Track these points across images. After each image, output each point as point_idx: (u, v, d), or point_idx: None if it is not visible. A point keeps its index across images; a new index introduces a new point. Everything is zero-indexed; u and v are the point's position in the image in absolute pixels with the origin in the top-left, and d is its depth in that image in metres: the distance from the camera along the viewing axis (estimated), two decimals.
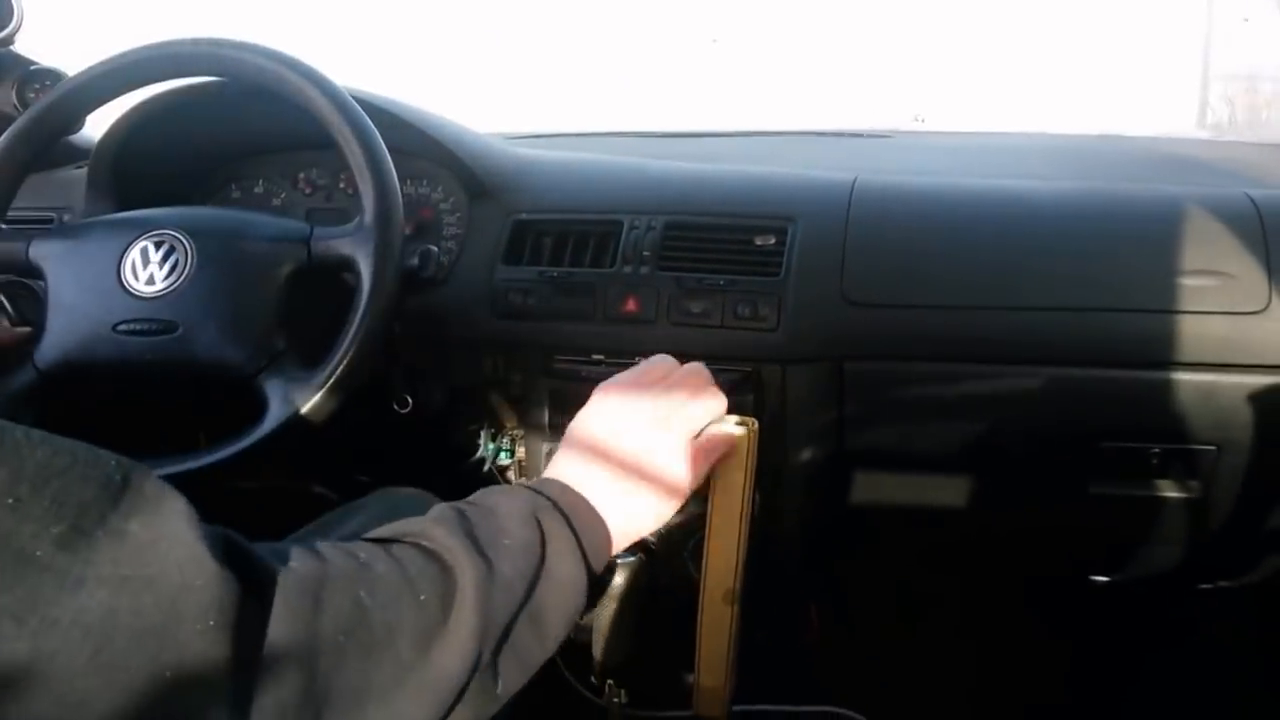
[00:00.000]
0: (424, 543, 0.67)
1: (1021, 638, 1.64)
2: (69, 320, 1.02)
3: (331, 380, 0.97)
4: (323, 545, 0.63)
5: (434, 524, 0.69)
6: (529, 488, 0.77)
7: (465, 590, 0.64)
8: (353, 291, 1.00)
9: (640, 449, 0.82)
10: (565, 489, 0.78)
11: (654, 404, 0.85)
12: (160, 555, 0.50)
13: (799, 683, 1.53)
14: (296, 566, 0.59)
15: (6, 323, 1.11)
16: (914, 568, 1.57)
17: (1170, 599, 1.60)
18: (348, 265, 1.01)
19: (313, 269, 1.03)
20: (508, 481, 1.38)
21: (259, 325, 1.01)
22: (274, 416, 0.97)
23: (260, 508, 1.49)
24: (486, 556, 0.67)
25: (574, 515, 0.76)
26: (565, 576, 0.73)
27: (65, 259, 1.05)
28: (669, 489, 0.83)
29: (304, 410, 0.96)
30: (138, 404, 1.25)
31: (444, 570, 0.65)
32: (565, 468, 0.81)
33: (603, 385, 0.87)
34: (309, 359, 0.99)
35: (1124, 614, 1.63)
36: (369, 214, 1.00)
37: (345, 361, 0.97)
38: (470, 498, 0.77)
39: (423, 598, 0.63)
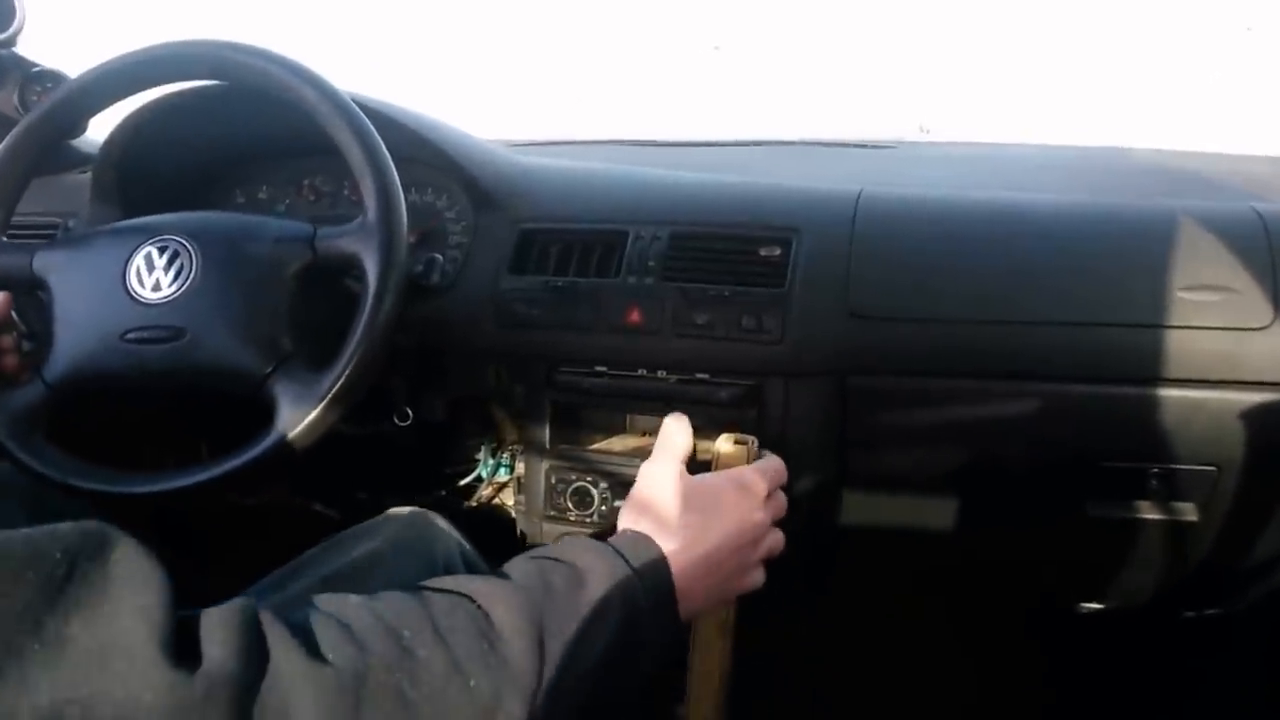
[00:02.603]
0: (480, 615, 0.64)
1: (1018, 664, 1.63)
2: (76, 331, 1.01)
3: (339, 384, 0.95)
4: (362, 625, 0.59)
5: (498, 596, 0.66)
6: (621, 556, 0.75)
7: (521, 681, 0.61)
8: (357, 295, 0.99)
9: (728, 551, 0.84)
10: (658, 568, 0.77)
11: (750, 516, 0.88)
12: (104, 665, 0.45)
13: (793, 706, 1.53)
14: (333, 658, 0.55)
15: (12, 341, 1.10)
16: (910, 591, 1.56)
17: (1158, 626, 1.60)
18: (353, 263, 1.00)
19: (318, 268, 1.02)
20: (503, 500, 1.38)
21: (266, 328, 0.99)
22: (283, 422, 0.95)
23: (261, 526, 1.49)
24: (549, 652, 0.64)
25: (661, 607, 0.76)
26: (635, 675, 0.73)
27: (69, 270, 1.04)
28: (727, 595, 0.88)
29: (312, 415, 0.95)
30: (144, 416, 1.24)
31: (500, 659, 0.62)
32: (655, 533, 0.81)
33: (739, 472, 0.91)
34: (316, 362, 0.98)
35: (1115, 640, 1.63)
36: (371, 211, 0.99)
37: (352, 365, 0.95)
38: (554, 551, 0.75)
39: (473, 684, 0.59)
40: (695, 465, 1.09)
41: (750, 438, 0.96)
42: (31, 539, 0.48)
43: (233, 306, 0.99)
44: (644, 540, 0.79)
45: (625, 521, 0.85)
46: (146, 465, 1.01)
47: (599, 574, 0.72)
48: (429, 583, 0.68)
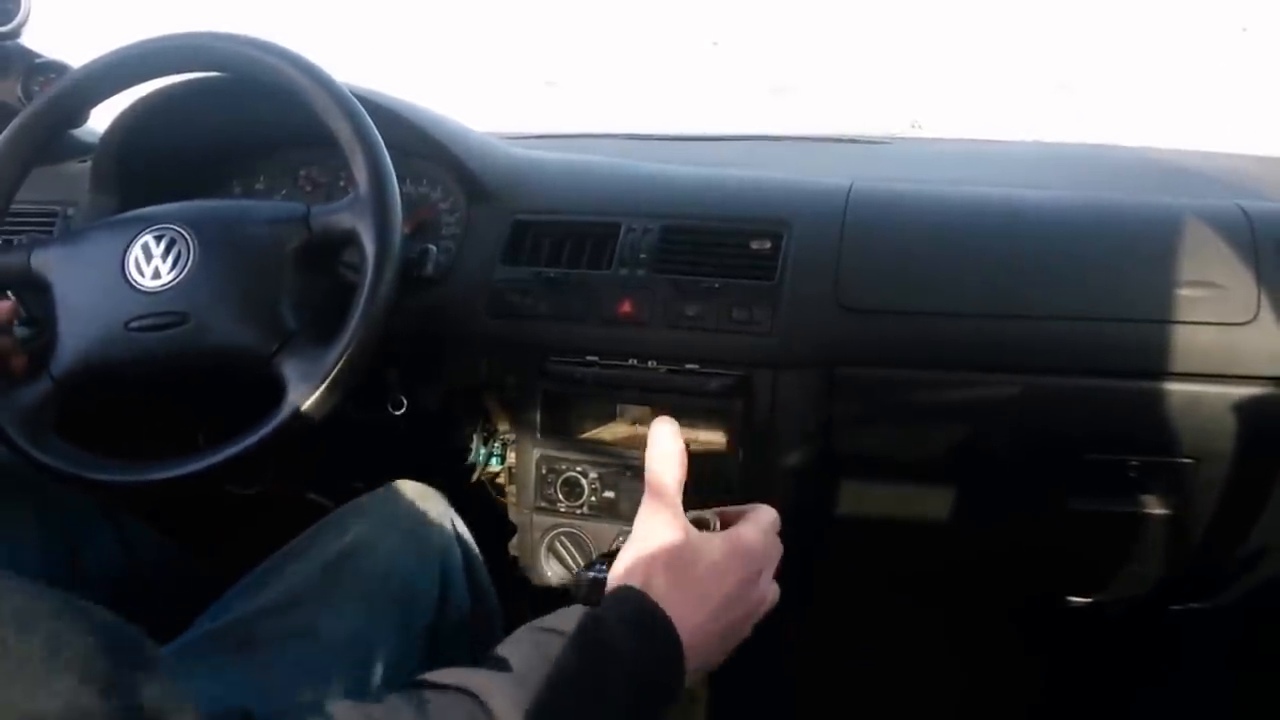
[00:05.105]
0: (479, 709, 0.63)
1: (1001, 659, 1.65)
2: (79, 324, 1.02)
3: (346, 357, 0.96)
4: None
5: (497, 687, 0.64)
6: (635, 633, 0.72)
7: None
8: (357, 270, 1.00)
9: (725, 624, 0.80)
10: (668, 643, 0.73)
11: (752, 589, 0.83)
12: None
13: (776, 701, 1.53)
14: None
15: (15, 341, 1.11)
16: (896, 586, 1.57)
17: (1148, 621, 1.61)
18: (349, 237, 1.01)
19: (315, 246, 1.03)
20: (498, 488, 1.38)
21: (268, 308, 1.00)
22: (293, 398, 0.96)
23: (257, 516, 1.51)
24: None
25: (671, 684, 0.73)
26: None
27: (68, 265, 1.05)
28: (718, 662, 0.82)
29: (321, 389, 0.95)
30: (152, 406, 1.24)
31: None
32: (664, 594, 0.75)
33: (744, 536, 0.84)
34: (321, 338, 0.99)
35: (1101, 635, 1.64)
36: (363, 185, 0.99)
37: (358, 336, 0.96)
38: (558, 624, 0.71)
39: None
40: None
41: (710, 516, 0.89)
42: (65, 596, 0.48)
43: (233, 288, 1.00)
44: (653, 611, 0.74)
45: (623, 575, 0.79)
46: (150, 455, 1.02)
47: (606, 652, 0.70)
48: (427, 676, 0.67)
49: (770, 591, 0.87)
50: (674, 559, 0.78)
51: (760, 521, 0.86)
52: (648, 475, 0.83)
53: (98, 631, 0.46)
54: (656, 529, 0.80)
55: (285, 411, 0.96)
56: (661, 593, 0.75)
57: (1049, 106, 4.62)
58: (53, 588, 0.47)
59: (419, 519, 1.03)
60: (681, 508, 0.83)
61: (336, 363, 0.96)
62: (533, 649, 0.68)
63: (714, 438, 1.13)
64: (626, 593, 0.75)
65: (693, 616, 0.75)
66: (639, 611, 0.73)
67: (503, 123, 1.40)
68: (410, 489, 1.06)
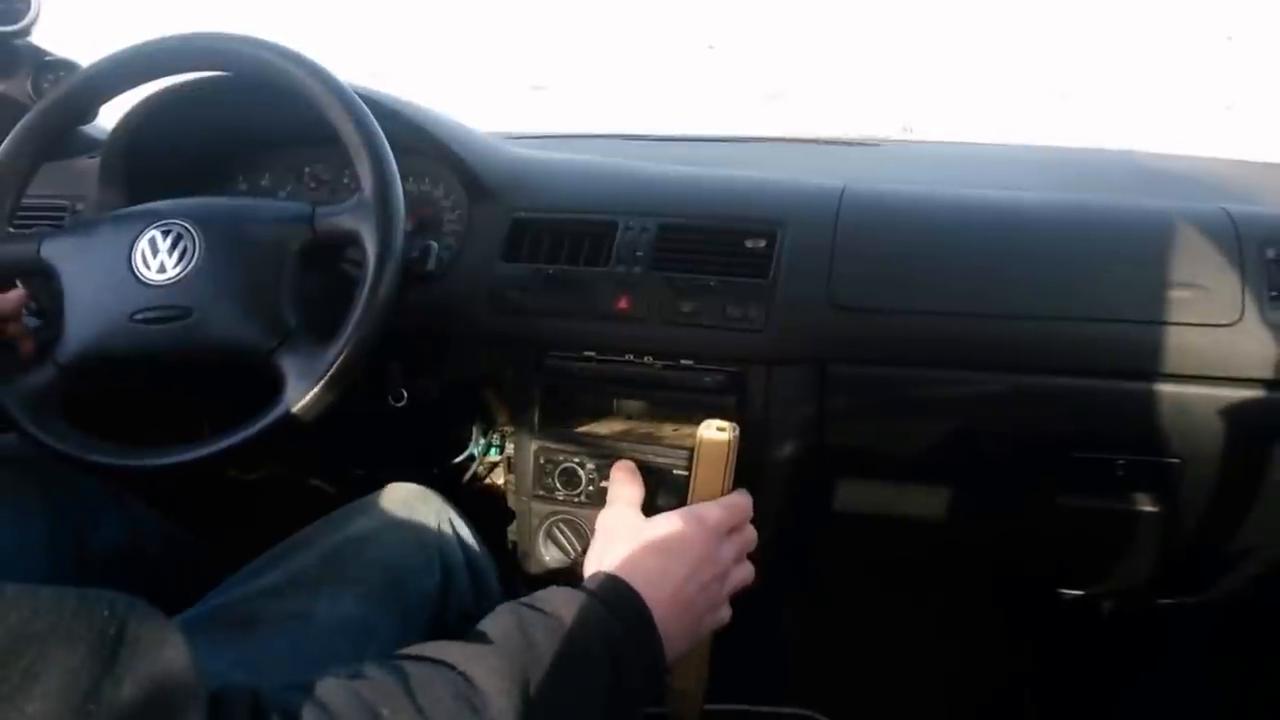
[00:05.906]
0: (461, 680, 0.65)
1: (992, 646, 1.66)
2: (86, 314, 1.04)
3: (343, 357, 0.98)
4: (340, 705, 0.60)
5: (478, 658, 0.66)
6: (599, 601, 0.76)
7: None
8: (358, 271, 1.02)
9: (695, 588, 0.86)
10: (636, 609, 0.78)
11: (712, 552, 0.90)
12: None
13: (771, 683, 1.55)
14: None
15: (25, 327, 1.13)
16: (888, 573, 1.59)
17: (1137, 613, 1.62)
18: (352, 239, 1.03)
19: (319, 246, 1.05)
20: (496, 476, 1.40)
21: (270, 305, 1.02)
22: (290, 395, 0.98)
23: (261, 500, 1.52)
24: (535, 706, 0.65)
25: (644, 648, 0.77)
26: (627, 717, 0.74)
27: (77, 255, 1.07)
28: (699, 633, 0.89)
29: (317, 388, 0.97)
30: (154, 394, 1.26)
31: None
32: (638, 577, 0.81)
33: (699, 509, 0.93)
34: (321, 337, 1.01)
35: (1092, 625, 1.65)
36: (368, 189, 1.02)
37: (355, 338, 0.98)
38: (533, 600, 0.75)
39: None
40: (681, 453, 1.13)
41: (733, 425, 0.98)
42: (83, 595, 0.49)
43: (236, 285, 1.02)
44: (617, 582, 0.80)
45: (589, 570, 0.87)
46: (154, 441, 1.04)
47: (579, 621, 0.73)
48: (408, 650, 0.69)
49: (742, 568, 0.94)
50: (630, 540, 0.88)
51: (724, 501, 0.95)
52: (611, 483, 1.01)
53: (90, 641, 0.47)
54: (610, 520, 0.95)
55: (281, 408, 0.98)
56: (622, 568, 0.83)
57: (1036, 110, 4.65)
58: (60, 580, 0.49)
59: (417, 518, 1.05)
60: (638, 504, 0.97)
61: (334, 362, 0.98)
62: (511, 622, 0.72)
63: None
64: (594, 574, 0.83)
65: (659, 587, 0.82)
66: (603, 585, 0.79)
67: (488, 127, 1.41)
68: (408, 491, 1.08)
